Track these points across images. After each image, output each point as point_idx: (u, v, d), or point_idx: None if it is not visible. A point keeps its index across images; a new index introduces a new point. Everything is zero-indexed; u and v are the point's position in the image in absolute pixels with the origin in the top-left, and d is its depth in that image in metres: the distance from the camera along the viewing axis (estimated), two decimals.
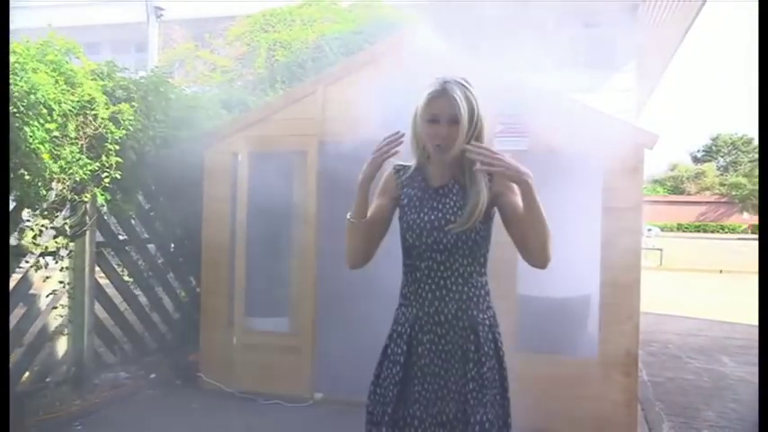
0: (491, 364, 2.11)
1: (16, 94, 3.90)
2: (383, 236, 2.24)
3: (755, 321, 8.93)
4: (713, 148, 67.65)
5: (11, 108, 3.80)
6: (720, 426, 4.86)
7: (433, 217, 2.13)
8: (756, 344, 7.90)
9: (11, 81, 3.80)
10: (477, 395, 2.07)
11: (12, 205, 4.26)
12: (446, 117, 2.07)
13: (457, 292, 2.12)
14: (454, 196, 2.15)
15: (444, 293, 2.12)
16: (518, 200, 2.05)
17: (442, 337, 2.13)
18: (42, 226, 4.54)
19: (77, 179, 4.54)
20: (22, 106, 3.96)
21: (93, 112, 4.56)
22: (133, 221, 5.90)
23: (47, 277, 4.79)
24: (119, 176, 4.79)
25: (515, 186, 2.03)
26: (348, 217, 2.16)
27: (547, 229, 2.01)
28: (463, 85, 2.10)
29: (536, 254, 2.05)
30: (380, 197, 2.25)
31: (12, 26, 3.11)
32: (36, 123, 4.05)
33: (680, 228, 51.83)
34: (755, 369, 6.53)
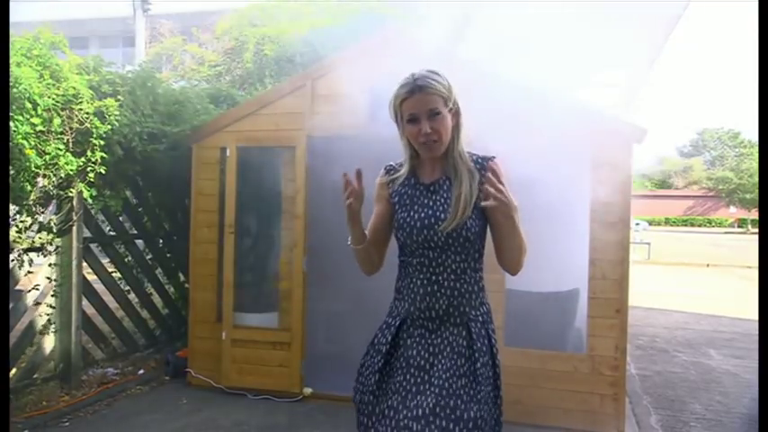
0: (485, 360, 2.08)
1: None
2: (389, 239, 2.27)
3: (742, 315, 8.95)
4: (700, 142, 68.14)
5: None
6: (707, 418, 4.90)
7: (423, 215, 2.12)
8: (742, 336, 7.93)
9: None
10: (470, 391, 2.04)
11: None
12: (425, 113, 2.06)
13: (448, 288, 2.10)
14: (444, 192, 2.14)
15: (436, 289, 2.11)
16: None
17: (433, 332, 2.12)
18: (23, 221, 4.49)
19: (63, 174, 4.51)
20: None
21: (79, 107, 4.52)
22: (121, 217, 5.87)
23: (29, 272, 4.74)
24: (103, 171, 4.75)
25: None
26: (348, 243, 2.18)
27: (522, 249, 2.09)
28: (433, 73, 2.08)
29: (507, 264, 2.15)
30: (377, 204, 2.26)
31: None
32: (20, 117, 4.01)
33: (667, 222, 52.26)
34: (742, 362, 6.62)
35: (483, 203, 2.00)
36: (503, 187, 1.94)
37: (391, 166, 2.26)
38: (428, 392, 2.06)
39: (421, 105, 2.06)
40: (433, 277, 2.11)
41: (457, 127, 2.13)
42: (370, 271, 2.28)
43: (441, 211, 2.10)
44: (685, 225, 51.96)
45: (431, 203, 2.14)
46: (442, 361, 2.09)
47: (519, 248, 2.08)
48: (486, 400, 2.05)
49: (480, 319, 2.13)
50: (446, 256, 2.10)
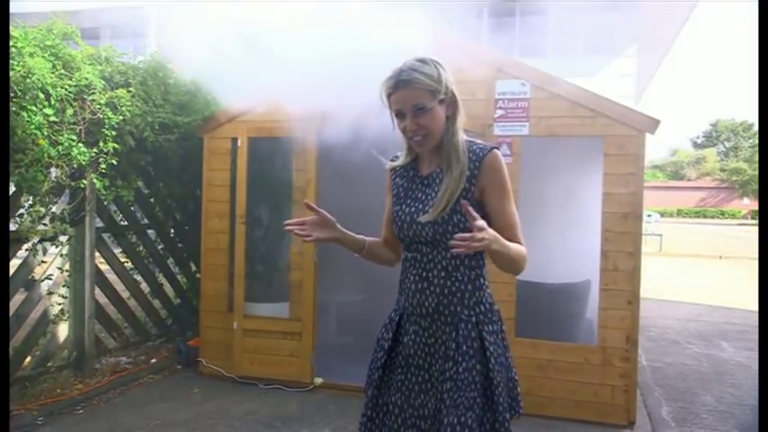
0: (469, 364, 1.97)
1: (13, 78, 3.87)
2: None
3: (754, 307, 8.90)
4: (713, 133, 67.54)
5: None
6: (719, 410, 4.88)
7: (413, 209, 2.05)
8: (755, 329, 7.88)
9: None
10: (453, 395, 1.95)
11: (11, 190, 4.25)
12: (409, 109, 1.96)
13: (438, 285, 2.03)
14: (437, 186, 2.04)
15: (426, 286, 2.04)
16: (499, 199, 2.01)
17: (426, 329, 2.07)
18: (37, 211, 4.52)
19: (75, 165, 4.53)
20: (19, 91, 3.93)
21: (91, 98, 4.53)
22: (133, 207, 5.89)
23: (43, 261, 4.78)
24: (115, 162, 4.77)
25: (500, 185, 2.00)
26: (355, 255, 2.22)
27: (517, 264, 1.97)
28: (421, 64, 1.96)
29: (505, 270, 2.01)
30: (388, 195, 2.22)
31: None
32: (33, 108, 4.03)
33: (680, 213, 51.90)
34: (754, 354, 6.57)
35: (452, 251, 1.79)
36: (474, 235, 1.74)
37: (396, 156, 2.22)
38: (430, 393, 2.05)
39: (405, 101, 1.95)
40: (424, 273, 2.05)
41: (453, 117, 2.02)
42: (390, 265, 2.30)
43: (431, 206, 2.01)
44: (698, 217, 51.56)
45: (422, 197, 2.06)
46: (439, 361, 2.05)
47: (512, 265, 1.96)
48: (471, 405, 1.93)
49: (473, 319, 2.02)
50: (437, 252, 2.02)
